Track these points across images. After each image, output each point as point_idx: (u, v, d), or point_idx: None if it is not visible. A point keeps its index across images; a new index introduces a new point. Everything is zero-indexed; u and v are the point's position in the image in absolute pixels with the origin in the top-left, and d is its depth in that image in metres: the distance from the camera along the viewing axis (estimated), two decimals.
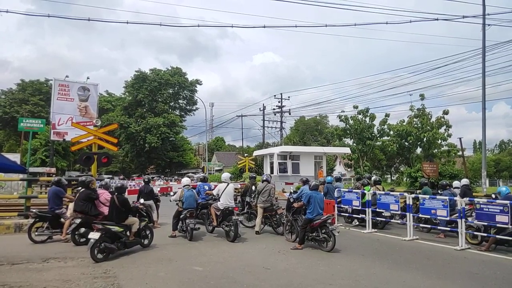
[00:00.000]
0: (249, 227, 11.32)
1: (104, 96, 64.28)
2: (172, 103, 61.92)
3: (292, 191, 12.36)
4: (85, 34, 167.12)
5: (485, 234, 8.85)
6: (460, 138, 24.55)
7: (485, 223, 8.58)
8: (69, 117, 29.68)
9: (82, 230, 8.48)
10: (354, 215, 12.14)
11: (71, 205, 9.69)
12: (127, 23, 15.53)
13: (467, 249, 8.76)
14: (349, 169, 40.74)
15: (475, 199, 9.36)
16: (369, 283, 6.11)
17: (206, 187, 11.66)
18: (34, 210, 9.88)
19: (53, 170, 32.91)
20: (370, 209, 11.14)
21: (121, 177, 41.92)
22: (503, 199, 8.58)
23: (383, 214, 11.23)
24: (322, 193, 11.11)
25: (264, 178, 10.97)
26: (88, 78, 36.89)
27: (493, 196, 10.58)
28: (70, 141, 29.77)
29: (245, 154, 40.80)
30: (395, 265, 7.37)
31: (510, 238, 8.14)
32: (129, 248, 8.20)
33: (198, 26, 19.68)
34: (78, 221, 8.83)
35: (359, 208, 11.50)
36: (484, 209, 8.42)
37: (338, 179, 14.52)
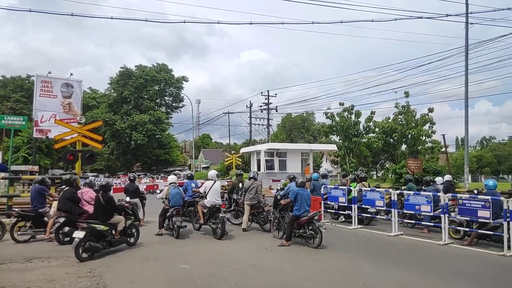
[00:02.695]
0: (236, 225, 11.32)
1: (89, 93, 63.27)
2: (158, 100, 61.37)
3: (279, 188, 12.41)
4: (71, 31, 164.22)
5: (468, 229, 9.04)
6: (443, 135, 24.99)
7: (468, 218, 8.76)
8: (52, 114, 29.06)
9: (66, 229, 8.36)
10: (340, 212, 12.25)
11: (54, 204, 9.53)
12: (112, 18, 15.38)
13: (450, 244, 8.94)
14: (335, 166, 41.14)
15: (458, 195, 9.54)
16: (355, 280, 6.17)
17: (193, 185, 11.60)
18: (16, 209, 9.66)
19: (36, 168, 32.18)
20: (356, 205, 11.26)
21: (107, 175, 41.42)
22: (486, 193, 8.77)
23: (368, 210, 11.37)
24: (309, 190, 11.17)
25: (251, 175, 10.99)
26: (71, 74, 36.01)
27: (475, 191, 10.82)
28: (53, 138, 29.22)
29: (232, 152, 40.72)
30: (381, 260, 7.47)
31: (492, 232, 8.33)
32: (114, 247, 8.10)
33: (184, 22, 19.60)
34: (62, 220, 8.71)
35: (345, 204, 11.61)
36: (466, 204, 8.58)
37: (324, 176, 14.62)
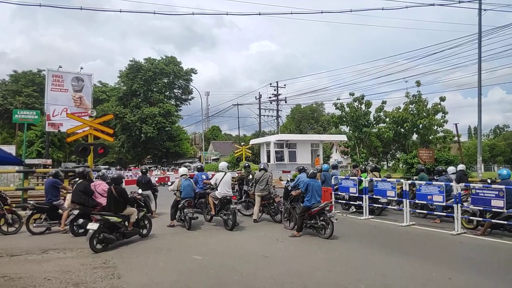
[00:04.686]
0: (247, 216, 11.38)
1: (99, 87, 63.71)
2: (168, 92, 61.46)
3: (289, 180, 12.41)
4: (81, 25, 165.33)
5: (481, 219, 8.94)
6: (455, 124, 24.60)
7: (481, 208, 8.67)
8: (64, 108, 29.37)
9: (81, 221, 8.50)
10: (351, 202, 12.22)
11: (68, 196, 9.69)
12: (120, 11, 15.48)
13: (462, 234, 8.86)
14: (345, 157, 40.91)
15: (471, 184, 9.43)
16: (367, 269, 6.17)
17: (204, 177, 11.68)
18: (31, 202, 9.86)
19: (49, 161, 32.66)
20: (367, 195, 11.22)
21: (118, 167, 41.80)
22: (500, 183, 8.65)
23: (380, 200, 11.31)
24: (320, 181, 11.14)
25: (262, 167, 10.99)
26: (81, 68, 36.30)
27: (489, 181, 10.68)
28: (65, 132, 29.59)
29: (242, 143, 40.78)
30: (393, 251, 7.45)
31: (505, 222, 8.24)
32: (127, 238, 8.23)
33: (193, 14, 19.50)
34: (76, 212, 8.86)
35: (356, 195, 11.57)
36: (479, 194, 8.49)
37: (335, 167, 14.57)
